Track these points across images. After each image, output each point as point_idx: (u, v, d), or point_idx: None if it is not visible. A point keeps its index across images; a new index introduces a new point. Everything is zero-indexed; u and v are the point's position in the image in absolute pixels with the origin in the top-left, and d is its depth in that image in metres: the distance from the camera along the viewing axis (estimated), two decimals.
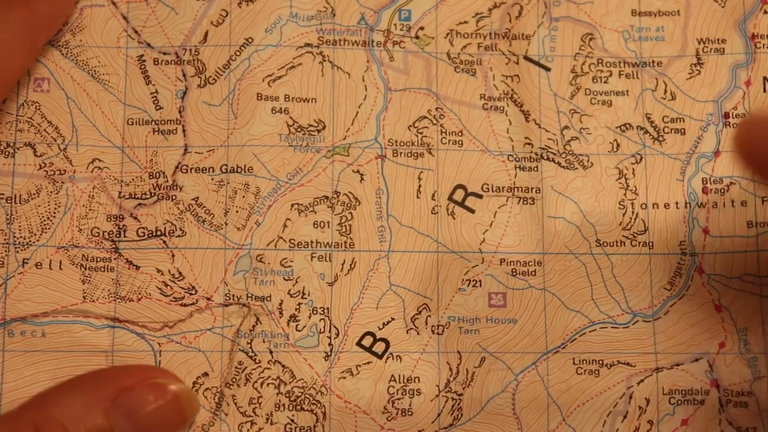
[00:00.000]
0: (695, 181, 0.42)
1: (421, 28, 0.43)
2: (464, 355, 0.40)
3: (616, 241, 0.41)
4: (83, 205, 0.41)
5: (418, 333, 0.41)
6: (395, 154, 0.42)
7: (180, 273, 0.41)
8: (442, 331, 0.41)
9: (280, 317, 0.40)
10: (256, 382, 0.40)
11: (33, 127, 0.41)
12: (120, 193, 0.41)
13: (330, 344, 0.40)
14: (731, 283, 0.41)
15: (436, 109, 0.42)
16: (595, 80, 0.43)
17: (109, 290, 0.40)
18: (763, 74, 0.42)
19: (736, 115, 0.42)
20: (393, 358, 0.40)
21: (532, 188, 0.42)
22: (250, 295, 0.40)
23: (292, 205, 0.41)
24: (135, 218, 0.41)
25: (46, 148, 0.41)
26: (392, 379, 0.40)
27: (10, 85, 0.40)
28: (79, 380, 0.38)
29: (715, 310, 0.41)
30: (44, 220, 0.40)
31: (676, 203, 0.42)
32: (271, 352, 0.40)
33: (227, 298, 0.40)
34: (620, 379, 0.40)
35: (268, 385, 0.40)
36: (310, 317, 0.40)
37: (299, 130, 0.42)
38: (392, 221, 0.41)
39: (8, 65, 0.39)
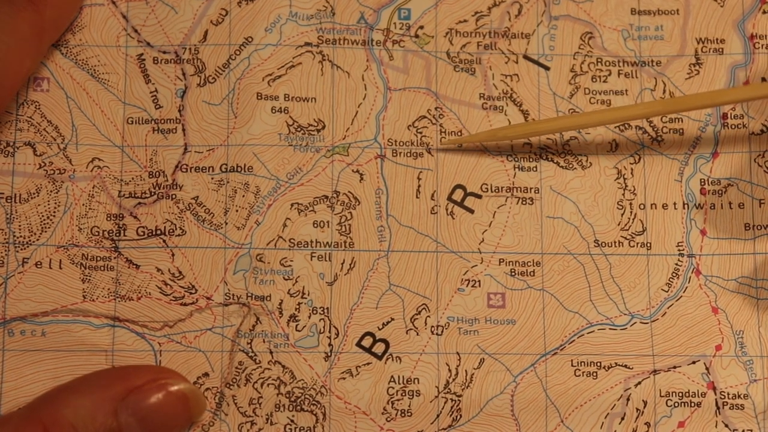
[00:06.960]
0: (693, 182, 0.42)
1: (421, 27, 0.43)
2: (463, 356, 0.41)
3: (615, 242, 0.41)
4: (83, 204, 0.41)
5: (417, 333, 0.41)
6: (395, 154, 0.42)
7: (180, 272, 0.41)
8: (442, 331, 0.41)
9: (280, 317, 0.40)
10: (256, 382, 0.40)
11: (33, 126, 0.41)
12: (120, 192, 0.41)
13: (330, 345, 0.40)
14: (728, 285, 0.41)
15: (436, 108, 0.42)
16: (594, 79, 0.43)
17: (108, 289, 0.40)
18: (762, 75, 0.42)
19: (734, 116, 0.42)
20: (392, 359, 0.41)
21: (530, 188, 0.42)
22: (250, 294, 0.40)
23: (292, 205, 0.41)
24: (135, 217, 0.41)
25: (45, 147, 0.41)
26: (392, 379, 0.40)
27: (17, 88, 0.40)
28: (86, 380, 0.38)
29: (712, 312, 0.41)
30: (44, 220, 0.40)
31: (674, 204, 0.42)
32: (271, 353, 0.40)
33: (227, 298, 0.40)
34: (618, 381, 0.40)
35: (268, 385, 0.40)
36: (309, 317, 0.41)
37: (299, 129, 0.42)
38: (392, 221, 0.41)
39: (16, 68, 0.38)
